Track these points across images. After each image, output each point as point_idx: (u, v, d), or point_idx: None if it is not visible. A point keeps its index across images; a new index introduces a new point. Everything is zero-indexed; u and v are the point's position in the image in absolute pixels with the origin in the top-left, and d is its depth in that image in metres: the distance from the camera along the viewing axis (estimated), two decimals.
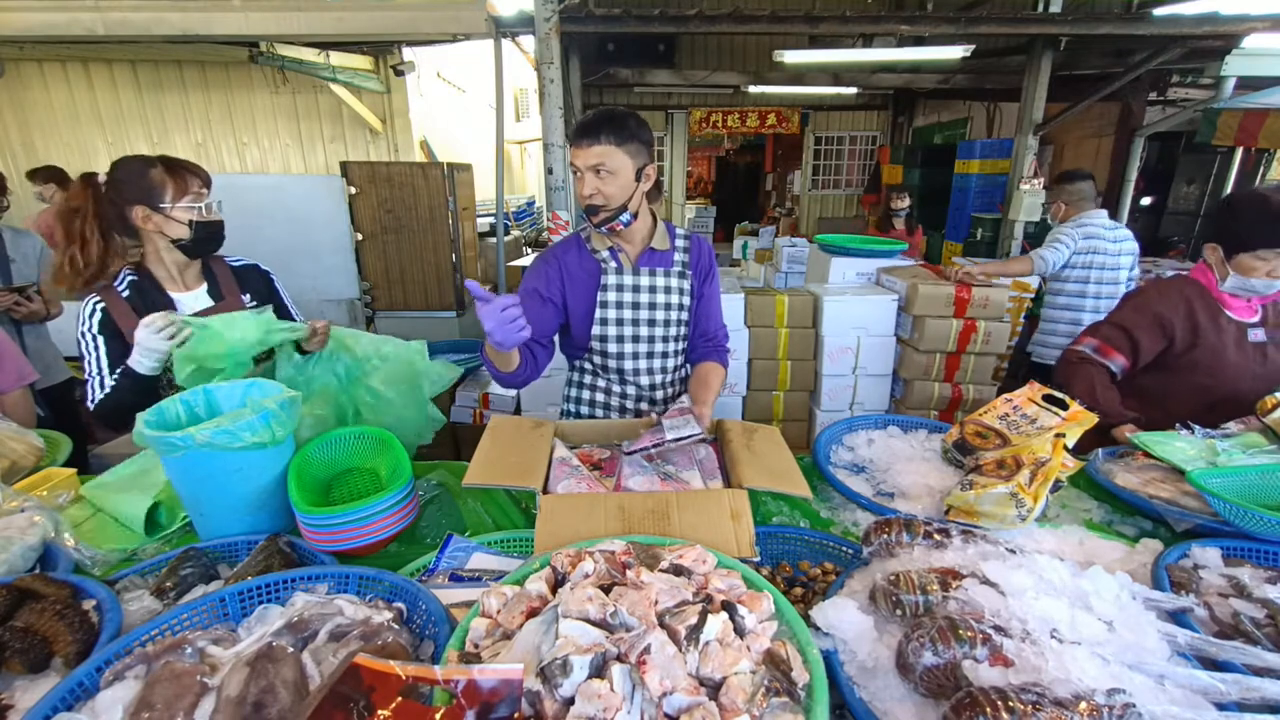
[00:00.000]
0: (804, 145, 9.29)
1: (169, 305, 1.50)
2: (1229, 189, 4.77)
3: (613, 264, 1.56)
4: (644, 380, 1.65)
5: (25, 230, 2.63)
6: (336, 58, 5.14)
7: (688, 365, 1.76)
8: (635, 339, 1.61)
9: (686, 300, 1.63)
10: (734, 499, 1.07)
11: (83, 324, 1.44)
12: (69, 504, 1.34)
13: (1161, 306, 1.68)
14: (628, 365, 1.63)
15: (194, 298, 1.55)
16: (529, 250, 5.86)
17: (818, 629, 0.82)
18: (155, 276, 1.51)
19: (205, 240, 1.50)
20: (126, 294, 1.47)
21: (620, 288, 1.57)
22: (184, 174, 1.44)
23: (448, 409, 3.39)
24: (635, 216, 1.50)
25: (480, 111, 7.92)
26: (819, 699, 0.68)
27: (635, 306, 1.58)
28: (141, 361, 1.35)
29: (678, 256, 1.62)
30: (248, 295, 1.64)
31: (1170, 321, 1.66)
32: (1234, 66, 3.94)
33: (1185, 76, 4.99)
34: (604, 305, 1.57)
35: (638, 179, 1.45)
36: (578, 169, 1.44)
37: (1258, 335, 1.67)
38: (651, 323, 1.60)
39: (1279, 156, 5.20)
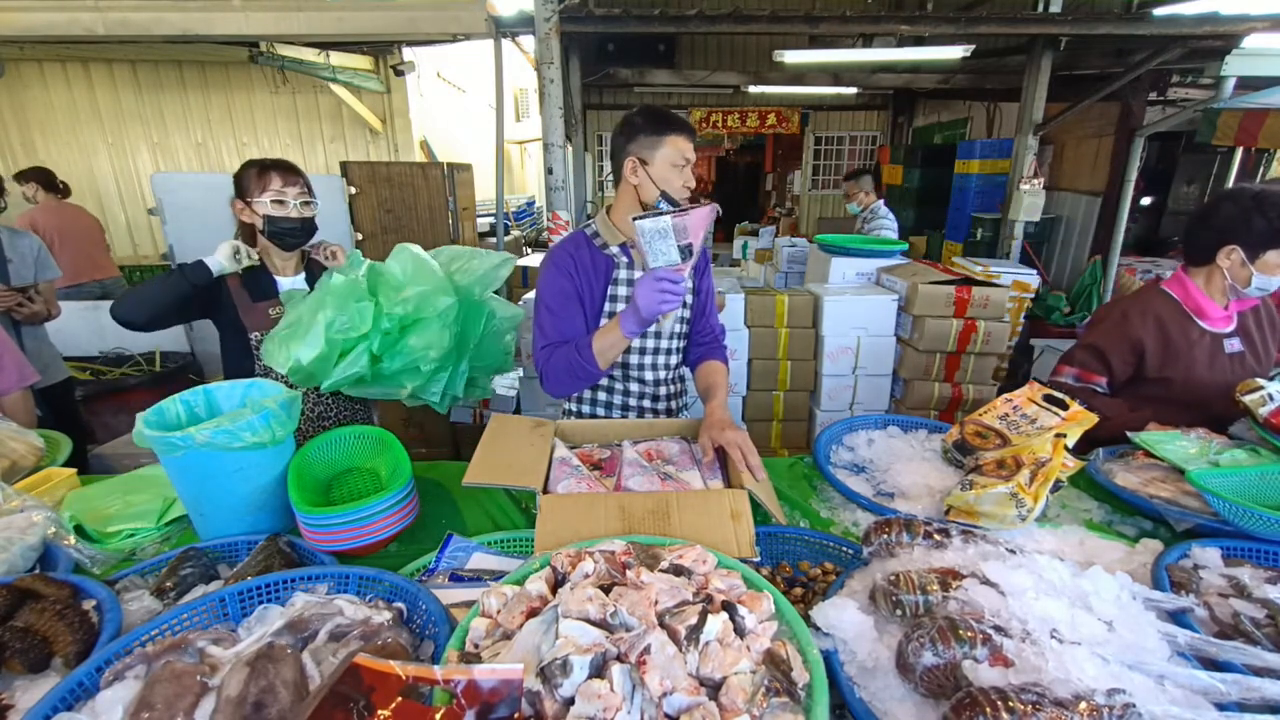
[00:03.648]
0: (804, 145, 9.28)
1: (272, 284, 1.71)
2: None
3: (624, 259, 1.56)
4: (648, 375, 1.66)
5: (23, 230, 2.63)
6: (336, 58, 5.14)
7: (684, 364, 1.76)
8: (644, 334, 1.61)
9: (689, 298, 1.65)
10: (734, 499, 1.07)
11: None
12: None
13: (1132, 328, 1.65)
14: (634, 360, 1.63)
15: (292, 282, 1.75)
16: (529, 250, 5.86)
17: (818, 629, 0.82)
18: (263, 261, 1.71)
19: (282, 233, 1.64)
20: (240, 273, 1.67)
21: (631, 283, 1.57)
22: (267, 171, 1.61)
23: (448, 409, 3.38)
24: None
25: (480, 111, 7.93)
26: (819, 699, 0.68)
27: None
28: (218, 260, 1.57)
29: None
30: None
31: (1141, 342, 1.63)
32: (1234, 66, 3.93)
33: (1185, 76, 4.98)
34: (614, 300, 1.57)
35: None
36: (686, 160, 1.49)
37: (1234, 345, 1.64)
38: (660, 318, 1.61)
39: (1279, 156, 5.20)
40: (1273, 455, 1.31)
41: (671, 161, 1.47)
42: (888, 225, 4.06)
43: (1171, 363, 1.63)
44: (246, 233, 1.69)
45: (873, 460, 1.50)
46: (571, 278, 1.54)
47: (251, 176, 1.61)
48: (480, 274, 1.79)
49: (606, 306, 1.57)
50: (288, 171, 1.63)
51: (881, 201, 4.23)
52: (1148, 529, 1.25)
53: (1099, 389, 1.70)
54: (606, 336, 1.42)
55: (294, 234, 1.66)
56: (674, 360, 1.69)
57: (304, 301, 1.59)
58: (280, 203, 1.60)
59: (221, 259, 1.58)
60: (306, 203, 1.65)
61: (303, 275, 1.78)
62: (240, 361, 1.68)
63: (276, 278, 1.73)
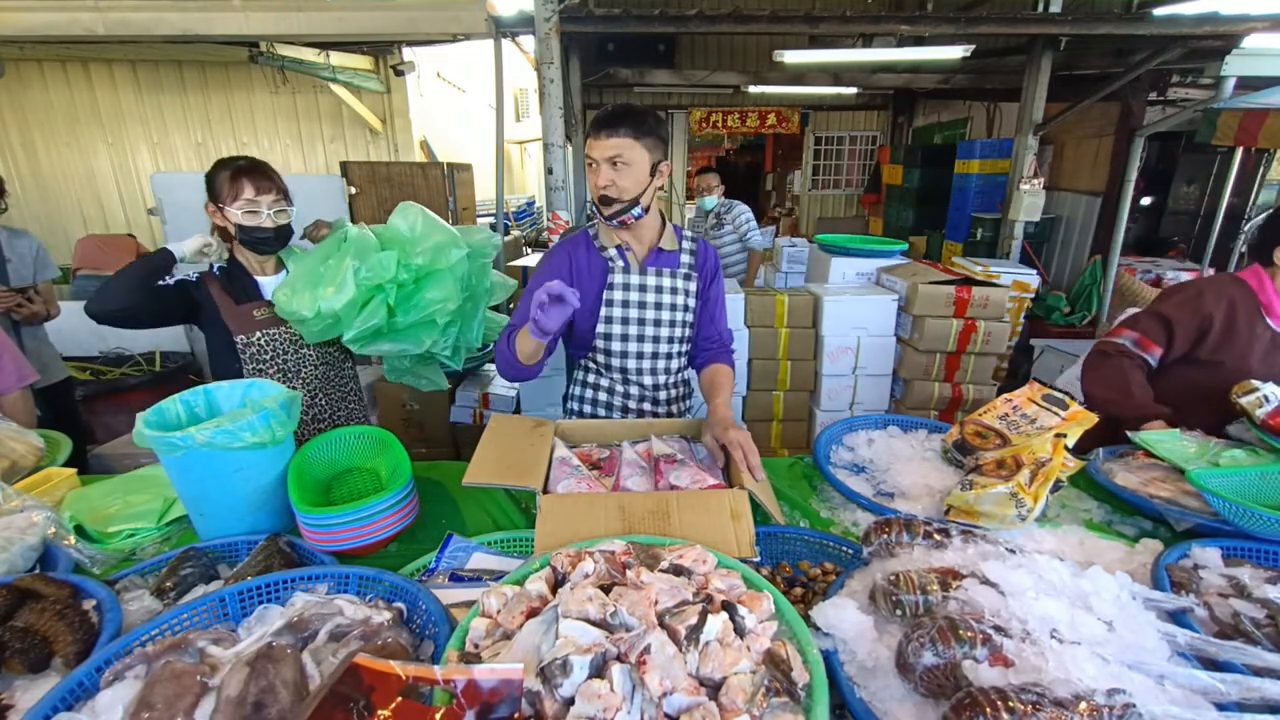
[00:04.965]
0: (804, 145, 9.27)
1: (254, 286, 1.68)
2: (1229, 189, 4.77)
3: (620, 263, 1.56)
4: (647, 380, 1.65)
5: (21, 230, 2.63)
6: (336, 58, 5.13)
7: (689, 368, 1.76)
8: (640, 339, 1.60)
9: (691, 302, 1.63)
10: (734, 499, 1.07)
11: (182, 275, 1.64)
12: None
13: (1206, 304, 1.66)
14: (631, 365, 1.63)
15: (273, 281, 1.70)
16: (529, 250, 5.86)
17: (818, 629, 0.82)
18: (240, 262, 1.68)
19: (256, 242, 1.61)
20: (219, 276, 1.65)
21: (627, 287, 1.56)
22: (240, 179, 1.55)
23: (447, 409, 3.39)
24: (646, 211, 1.50)
25: (480, 111, 7.92)
26: (819, 699, 0.68)
27: (641, 306, 1.58)
28: (182, 248, 1.58)
29: (684, 259, 1.62)
30: None
31: (1210, 318, 1.64)
32: (1234, 66, 3.93)
33: (1185, 76, 4.98)
34: (609, 304, 1.57)
35: (652, 174, 1.47)
36: (593, 160, 1.44)
37: None
38: (657, 323, 1.60)
39: (1279, 156, 5.19)
40: (1272, 456, 1.31)
41: (586, 160, 1.46)
42: (745, 211, 4.36)
43: (1229, 347, 1.64)
44: (221, 233, 1.65)
45: (873, 460, 1.50)
46: (561, 281, 1.54)
47: (224, 182, 1.56)
48: (477, 242, 1.78)
49: (603, 311, 1.57)
50: (261, 177, 1.57)
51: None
52: (1148, 529, 1.25)
53: (1150, 360, 1.70)
54: (525, 337, 1.37)
55: (268, 243, 1.61)
56: (674, 365, 1.68)
57: (313, 255, 1.61)
58: (253, 212, 1.56)
59: (187, 248, 1.57)
60: (281, 210, 1.60)
61: (284, 274, 1.72)
62: (227, 364, 1.64)
63: (257, 278, 1.69)
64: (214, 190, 1.57)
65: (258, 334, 1.64)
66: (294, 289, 1.55)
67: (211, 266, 1.65)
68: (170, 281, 1.58)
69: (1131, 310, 1.81)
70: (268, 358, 1.66)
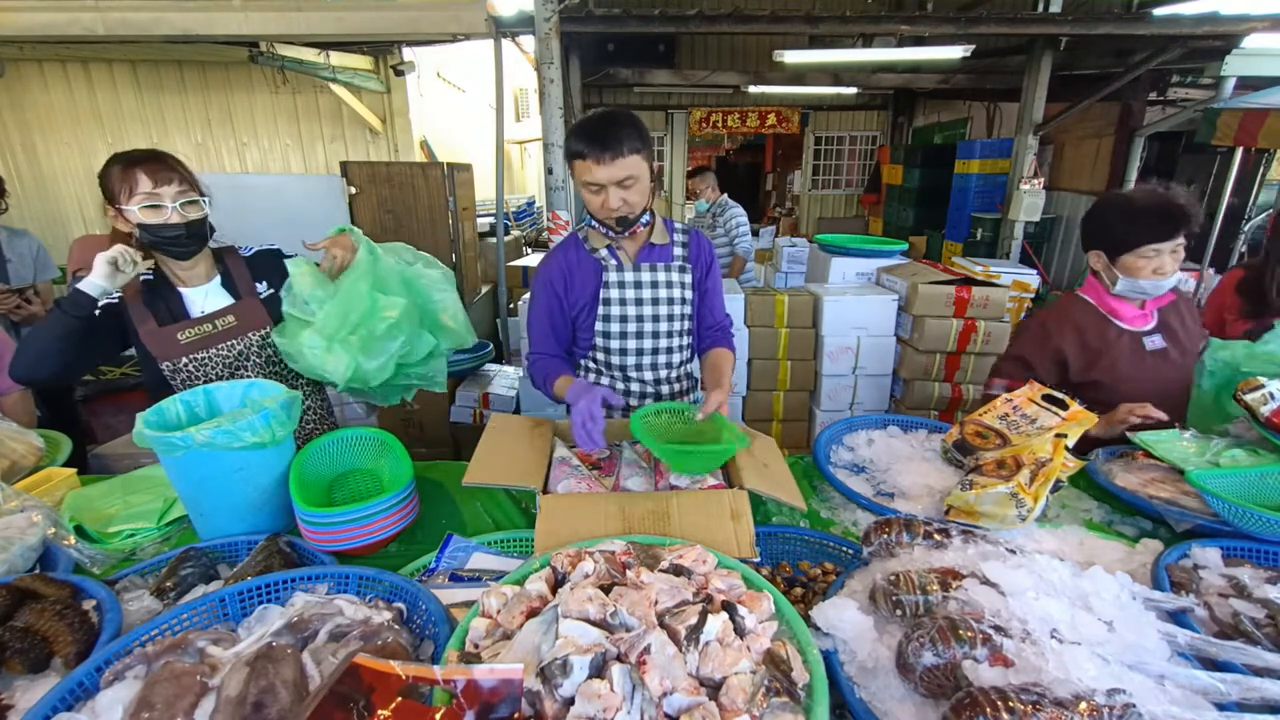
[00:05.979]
0: (804, 145, 9.29)
1: (178, 300, 1.46)
2: (1229, 189, 4.79)
3: (613, 262, 1.56)
4: (647, 376, 1.65)
5: (22, 230, 2.63)
6: (336, 58, 5.13)
7: (693, 362, 1.76)
8: (638, 335, 1.60)
9: (688, 294, 1.63)
10: (734, 499, 1.07)
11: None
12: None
13: (1051, 337, 1.66)
14: (630, 361, 1.63)
15: (204, 293, 1.48)
16: (529, 250, 5.86)
17: (818, 629, 0.82)
18: (163, 272, 1.46)
19: (164, 243, 1.36)
20: (141, 289, 1.44)
21: (622, 285, 1.56)
22: (132, 170, 1.32)
23: (447, 409, 3.39)
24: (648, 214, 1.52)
25: (480, 111, 7.92)
26: (819, 699, 0.68)
27: (638, 303, 1.58)
28: (95, 282, 1.29)
29: (677, 251, 1.61)
30: (264, 283, 1.55)
31: (1061, 349, 1.64)
32: (1234, 66, 3.94)
33: (1185, 76, 4.99)
34: (606, 303, 1.57)
35: (652, 179, 1.47)
36: (597, 185, 1.38)
37: (1155, 342, 1.64)
38: (655, 318, 1.60)
39: (1279, 156, 5.19)
40: (1273, 455, 1.31)
41: (583, 183, 1.41)
42: (738, 214, 4.26)
43: (1094, 365, 1.63)
44: (127, 240, 1.38)
45: (873, 460, 1.49)
46: (558, 296, 1.58)
47: (115, 178, 1.31)
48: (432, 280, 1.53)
49: (600, 310, 1.58)
50: (159, 166, 1.33)
51: (725, 195, 4.42)
52: (1148, 529, 1.25)
53: None
54: (562, 390, 1.50)
55: (179, 243, 1.36)
56: (676, 359, 1.68)
57: (346, 296, 1.32)
58: (155, 208, 1.31)
59: (99, 279, 1.29)
60: (191, 201, 1.35)
61: (218, 280, 1.49)
62: (159, 392, 1.40)
63: (182, 291, 1.45)
64: (107, 190, 1.33)
65: (185, 360, 1.42)
66: (329, 344, 1.30)
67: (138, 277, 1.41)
68: (95, 314, 1.33)
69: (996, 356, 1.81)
70: (200, 384, 1.41)
